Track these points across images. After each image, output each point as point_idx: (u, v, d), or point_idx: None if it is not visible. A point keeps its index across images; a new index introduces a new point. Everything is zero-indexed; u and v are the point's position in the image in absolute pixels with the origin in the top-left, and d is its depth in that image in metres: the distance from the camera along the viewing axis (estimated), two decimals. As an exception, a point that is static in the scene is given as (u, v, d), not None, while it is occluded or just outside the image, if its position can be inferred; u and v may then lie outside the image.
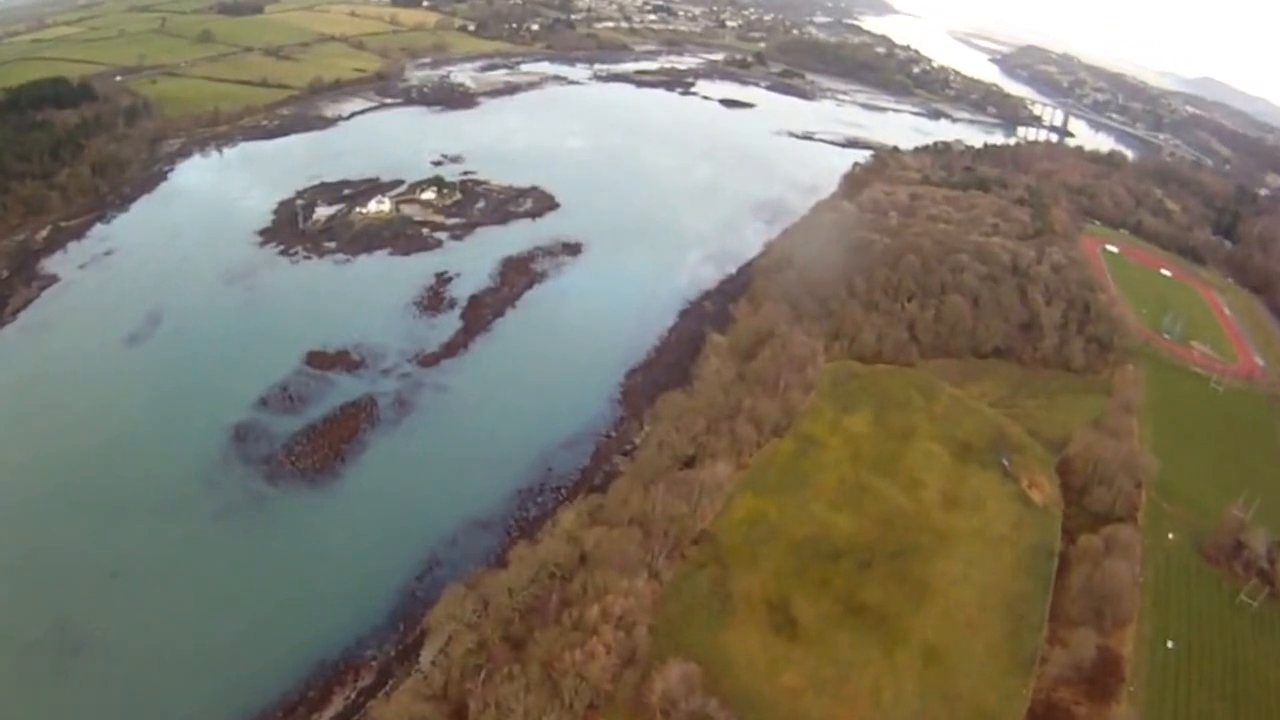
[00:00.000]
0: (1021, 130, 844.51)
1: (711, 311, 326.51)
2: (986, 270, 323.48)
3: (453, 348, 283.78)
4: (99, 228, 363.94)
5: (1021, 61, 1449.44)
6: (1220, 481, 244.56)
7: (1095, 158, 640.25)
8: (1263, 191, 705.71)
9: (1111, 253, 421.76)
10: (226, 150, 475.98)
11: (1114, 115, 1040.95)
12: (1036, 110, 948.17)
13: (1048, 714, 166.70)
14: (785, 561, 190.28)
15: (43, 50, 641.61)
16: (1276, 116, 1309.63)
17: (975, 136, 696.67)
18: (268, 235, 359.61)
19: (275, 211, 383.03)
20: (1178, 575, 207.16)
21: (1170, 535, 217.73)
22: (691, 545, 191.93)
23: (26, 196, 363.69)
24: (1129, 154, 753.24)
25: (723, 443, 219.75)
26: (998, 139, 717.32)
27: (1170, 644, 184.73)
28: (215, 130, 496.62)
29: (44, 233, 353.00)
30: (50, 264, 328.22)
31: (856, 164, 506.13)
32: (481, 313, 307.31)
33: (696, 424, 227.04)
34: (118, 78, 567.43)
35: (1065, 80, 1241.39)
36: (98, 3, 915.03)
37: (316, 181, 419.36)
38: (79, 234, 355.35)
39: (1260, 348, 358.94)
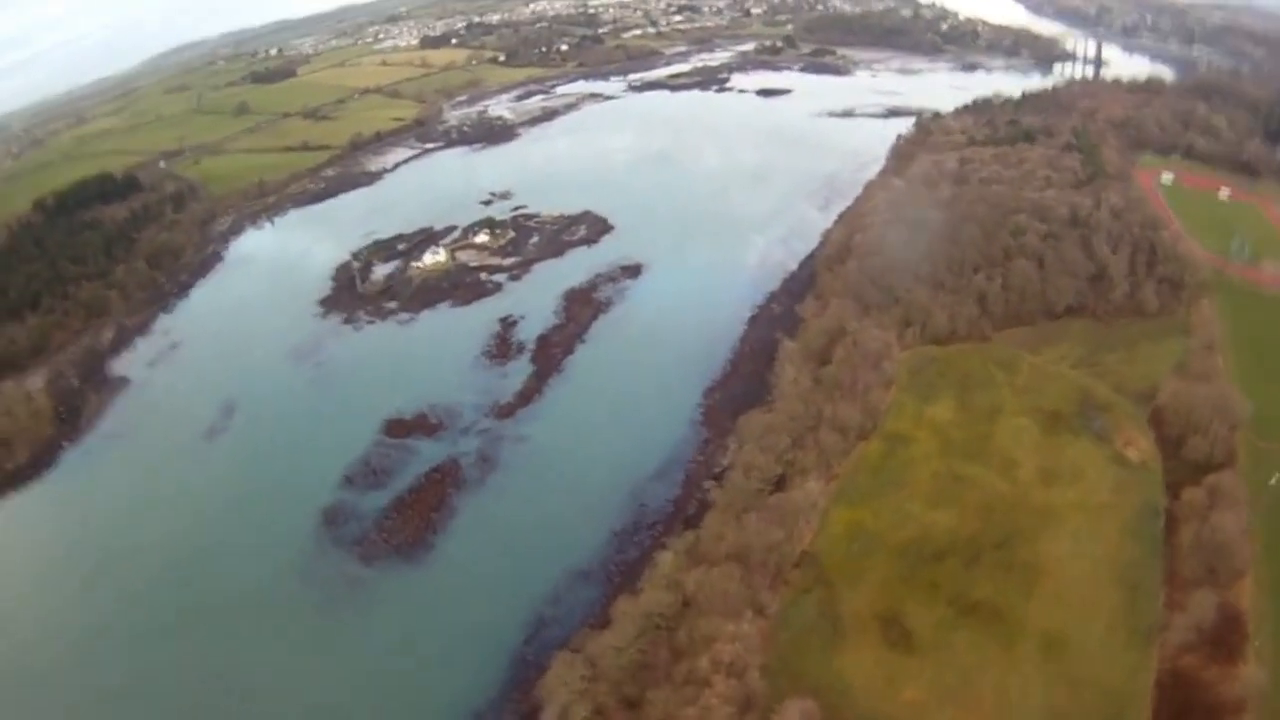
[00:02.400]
0: (1057, 68, 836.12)
1: (780, 314, 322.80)
2: (1047, 228, 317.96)
3: (527, 395, 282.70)
4: (162, 320, 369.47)
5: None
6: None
7: (1134, 86, 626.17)
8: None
9: (1167, 183, 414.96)
10: (277, 220, 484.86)
11: (1145, 36, 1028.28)
12: (1069, 45, 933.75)
13: (1175, 684, 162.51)
14: (890, 570, 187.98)
15: (84, 146, 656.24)
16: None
17: (1013, 84, 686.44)
18: (329, 303, 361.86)
19: (333, 277, 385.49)
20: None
21: (1274, 480, 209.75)
22: (793, 570, 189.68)
23: (86, 299, 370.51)
24: (1167, 75, 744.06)
25: (809, 457, 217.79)
26: (1035, 82, 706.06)
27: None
28: (264, 202, 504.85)
29: (109, 333, 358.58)
30: (119, 365, 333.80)
31: (900, 135, 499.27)
32: (551, 353, 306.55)
33: (780, 441, 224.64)
34: (161, 164, 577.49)
35: (1092, 8, 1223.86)
36: (134, 88, 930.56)
37: (370, 239, 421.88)
38: (143, 330, 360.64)
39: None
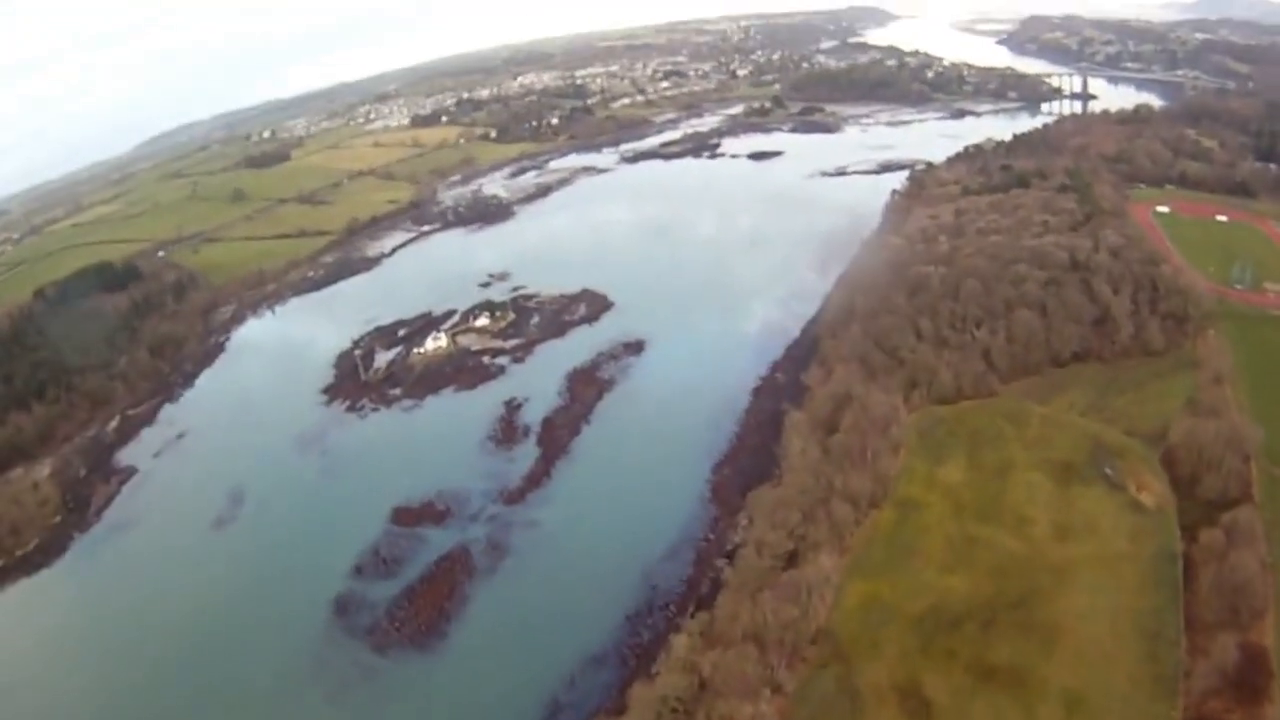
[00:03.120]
0: (1045, 106, 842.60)
1: (784, 383, 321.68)
2: (1047, 274, 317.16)
3: (535, 479, 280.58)
4: (167, 410, 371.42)
5: (1027, 35, 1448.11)
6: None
7: (1123, 118, 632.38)
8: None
9: (1163, 213, 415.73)
10: (278, 309, 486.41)
11: (1129, 65, 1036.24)
12: (1055, 82, 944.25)
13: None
14: (907, 641, 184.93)
15: (83, 235, 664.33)
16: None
17: (1002, 127, 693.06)
18: (332, 392, 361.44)
19: (336, 365, 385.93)
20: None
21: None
22: (810, 646, 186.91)
23: (90, 390, 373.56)
24: (1155, 102, 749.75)
25: (821, 530, 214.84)
26: (1024, 123, 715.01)
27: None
28: (263, 291, 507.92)
29: (114, 424, 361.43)
30: (125, 456, 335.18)
31: (894, 191, 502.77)
32: (557, 435, 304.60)
33: (791, 516, 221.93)
34: (160, 253, 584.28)
35: (1073, 42, 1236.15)
36: (130, 173, 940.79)
37: (371, 326, 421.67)
38: (149, 420, 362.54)
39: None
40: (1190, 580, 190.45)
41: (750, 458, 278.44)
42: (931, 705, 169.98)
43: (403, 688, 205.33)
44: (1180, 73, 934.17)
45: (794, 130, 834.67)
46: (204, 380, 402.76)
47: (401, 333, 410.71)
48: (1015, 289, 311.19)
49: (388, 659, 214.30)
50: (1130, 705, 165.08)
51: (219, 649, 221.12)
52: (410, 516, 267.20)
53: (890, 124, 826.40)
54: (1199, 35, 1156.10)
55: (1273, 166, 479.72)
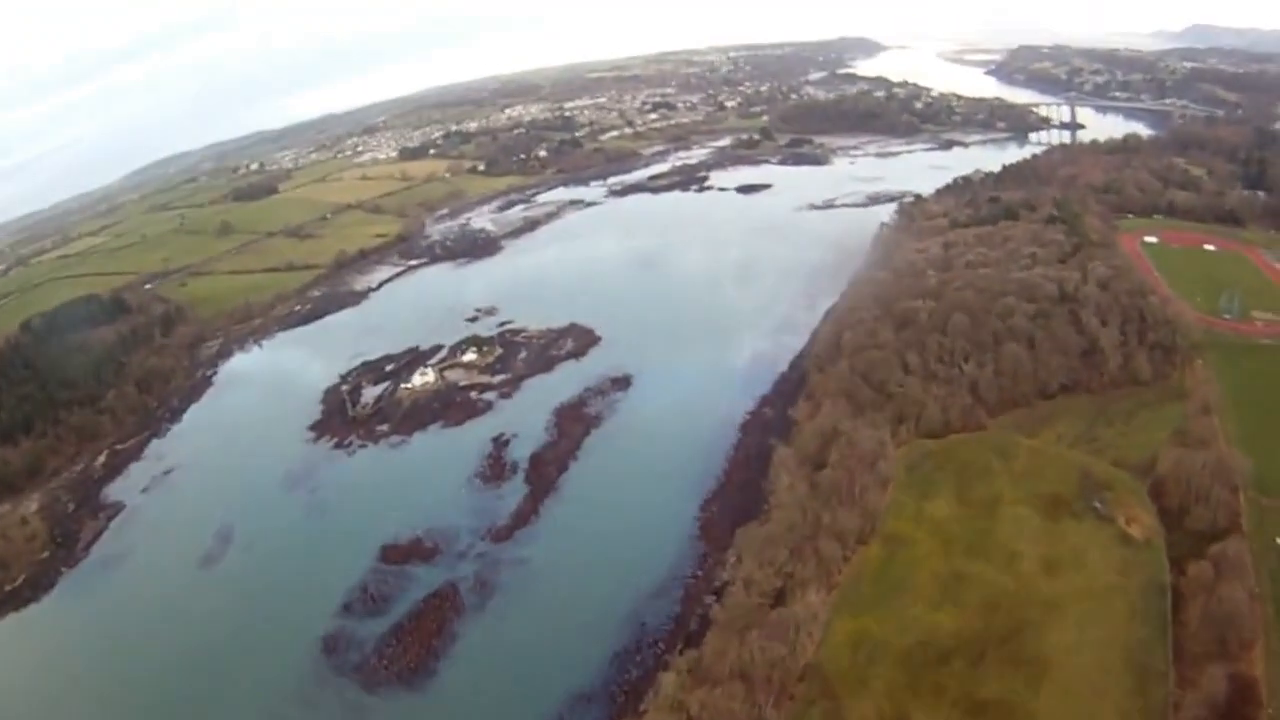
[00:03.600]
0: (1034, 136, 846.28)
1: (772, 418, 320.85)
2: (1035, 307, 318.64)
3: (523, 516, 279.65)
4: (155, 445, 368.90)
5: (1016, 65, 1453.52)
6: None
7: (1112, 147, 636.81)
8: (1278, 125, 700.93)
9: (1151, 243, 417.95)
10: (265, 343, 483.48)
11: (1118, 94, 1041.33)
12: (1043, 112, 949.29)
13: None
14: (895, 677, 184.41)
15: (71, 267, 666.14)
16: (1271, 39, 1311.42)
17: (991, 158, 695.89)
18: (319, 428, 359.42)
19: (323, 401, 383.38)
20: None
21: (1279, 539, 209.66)
22: (798, 684, 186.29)
23: (77, 425, 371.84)
24: (1143, 131, 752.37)
25: (809, 567, 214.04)
26: (1013, 153, 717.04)
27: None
28: (250, 325, 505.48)
29: (101, 459, 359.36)
30: (113, 491, 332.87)
31: (883, 224, 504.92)
32: (545, 472, 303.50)
33: (779, 554, 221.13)
34: (147, 286, 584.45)
35: (1062, 72, 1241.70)
36: (117, 205, 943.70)
37: (358, 361, 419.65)
38: (136, 455, 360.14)
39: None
40: (1179, 612, 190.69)
41: (738, 494, 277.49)
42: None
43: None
44: (1169, 101, 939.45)
45: (782, 162, 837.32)
46: (191, 415, 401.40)
47: (389, 368, 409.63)
48: (1003, 322, 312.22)
49: (377, 696, 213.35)
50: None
51: (207, 688, 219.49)
52: (398, 554, 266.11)
53: (879, 155, 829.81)
54: (1187, 64, 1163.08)
55: (1261, 195, 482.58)
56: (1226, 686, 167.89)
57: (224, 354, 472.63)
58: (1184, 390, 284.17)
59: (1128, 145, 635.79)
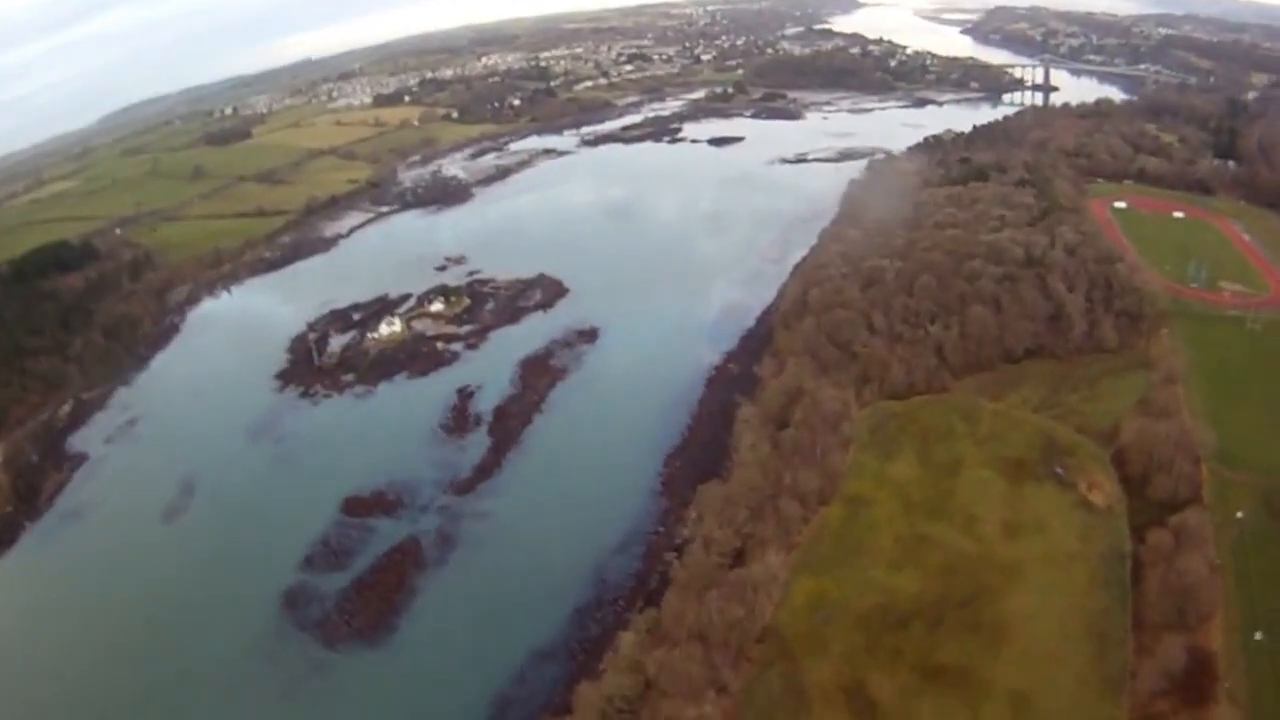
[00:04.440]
0: (1007, 97, 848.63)
1: (737, 374, 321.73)
2: (1002, 270, 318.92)
3: (486, 469, 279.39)
4: (120, 394, 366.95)
5: (992, 26, 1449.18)
6: (1278, 430, 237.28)
7: (1084, 111, 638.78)
8: (1251, 95, 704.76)
9: (1121, 209, 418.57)
10: (235, 289, 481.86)
11: (1092, 57, 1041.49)
12: (1017, 73, 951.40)
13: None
14: (854, 640, 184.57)
15: (41, 212, 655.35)
16: (1246, 9, 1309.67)
17: (963, 117, 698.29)
18: (286, 377, 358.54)
19: (290, 349, 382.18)
20: (1256, 546, 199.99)
21: (1239, 514, 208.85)
22: (756, 645, 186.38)
23: (44, 373, 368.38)
24: (1116, 95, 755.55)
25: (769, 528, 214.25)
26: (985, 113, 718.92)
27: (1258, 635, 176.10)
28: (220, 271, 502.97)
29: (66, 408, 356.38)
30: (77, 441, 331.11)
31: (853, 180, 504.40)
32: (509, 425, 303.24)
33: (739, 514, 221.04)
34: (117, 230, 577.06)
35: (1038, 34, 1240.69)
36: (91, 147, 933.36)
37: (326, 309, 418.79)
38: (101, 404, 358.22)
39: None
40: (1138, 581, 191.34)
41: (701, 450, 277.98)
42: (877, 705, 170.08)
43: (353, 683, 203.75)
44: (1143, 67, 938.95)
45: (755, 116, 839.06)
46: (158, 363, 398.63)
47: (357, 316, 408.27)
48: (970, 284, 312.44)
49: (338, 653, 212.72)
50: (1077, 705, 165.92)
51: (171, 643, 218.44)
52: (361, 507, 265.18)
53: (852, 111, 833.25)
54: (1162, 30, 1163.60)
55: (1231, 164, 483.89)
56: (1184, 657, 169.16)
57: (193, 300, 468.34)
58: (1149, 359, 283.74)
59: (1100, 110, 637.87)
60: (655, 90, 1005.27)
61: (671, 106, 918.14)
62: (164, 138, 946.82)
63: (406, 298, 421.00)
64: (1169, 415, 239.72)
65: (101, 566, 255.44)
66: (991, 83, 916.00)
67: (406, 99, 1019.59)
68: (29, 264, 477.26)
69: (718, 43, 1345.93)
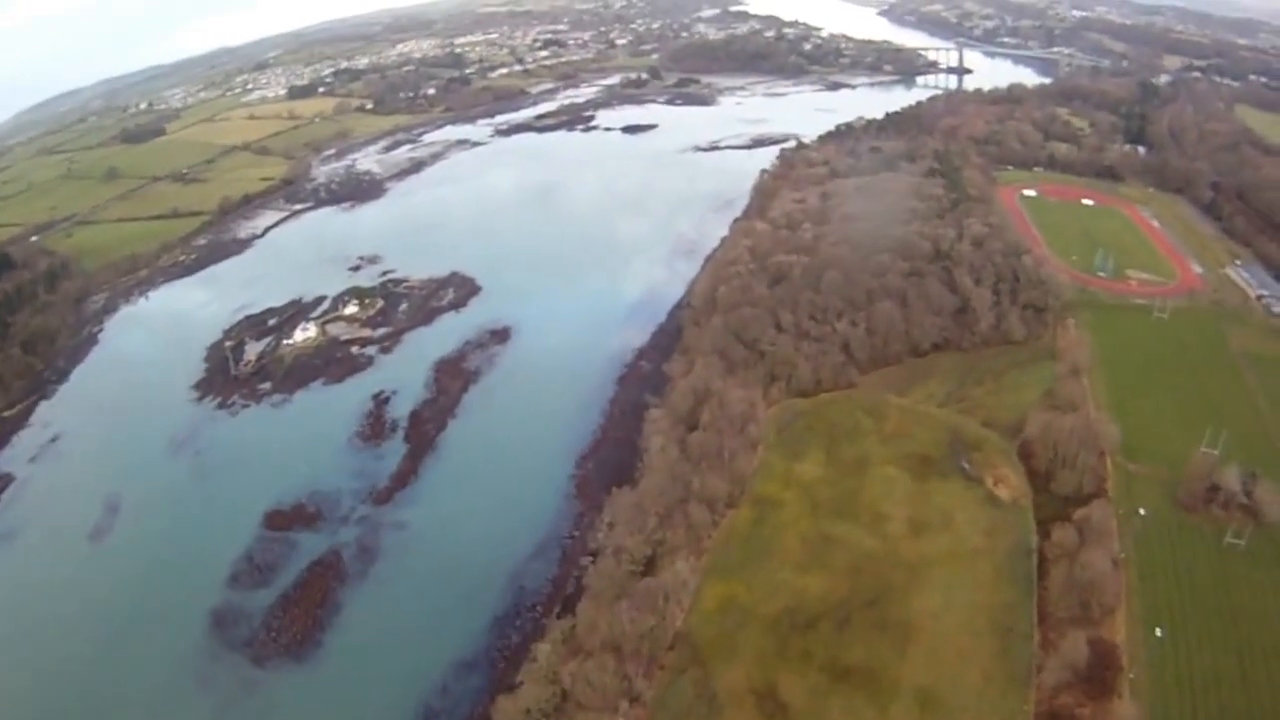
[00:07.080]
0: (921, 80, 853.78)
1: (649, 372, 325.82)
2: (909, 265, 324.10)
3: (403, 477, 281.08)
4: (42, 409, 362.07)
5: (908, 7, 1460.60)
6: (1183, 421, 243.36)
7: (996, 97, 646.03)
8: (1163, 79, 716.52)
9: (1030, 197, 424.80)
10: (152, 295, 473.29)
11: (1006, 40, 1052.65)
12: (931, 56, 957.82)
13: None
14: (764, 643, 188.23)
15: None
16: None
17: (876, 100, 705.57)
18: (204, 388, 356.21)
19: (206, 359, 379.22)
20: (1159, 539, 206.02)
21: (1141, 510, 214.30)
22: (668, 652, 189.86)
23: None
24: (1031, 78, 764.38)
25: (679, 534, 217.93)
26: (899, 97, 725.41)
27: (1159, 631, 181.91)
28: (136, 277, 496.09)
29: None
30: (2, 461, 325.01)
31: (764, 170, 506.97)
32: (424, 430, 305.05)
33: (649, 521, 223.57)
34: (33, 238, 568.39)
35: (953, 16, 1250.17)
36: (6, 150, 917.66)
37: (242, 315, 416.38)
38: (23, 422, 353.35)
39: (1195, 253, 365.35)
40: (1043, 576, 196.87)
41: (613, 450, 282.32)
42: (788, 707, 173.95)
43: (282, 700, 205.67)
44: (1056, 50, 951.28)
45: (669, 102, 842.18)
46: (78, 376, 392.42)
47: (271, 322, 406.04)
48: (877, 280, 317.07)
49: (266, 670, 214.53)
50: (983, 701, 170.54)
51: (100, 668, 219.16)
52: (282, 520, 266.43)
53: (766, 96, 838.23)
54: (1076, 12, 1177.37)
55: (1141, 150, 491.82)
56: (1088, 651, 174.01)
57: (110, 309, 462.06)
58: (1055, 350, 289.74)
59: (1012, 95, 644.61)
60: (570, 77, 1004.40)
61: (586, 93, 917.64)
62: (79, 135, 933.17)
63: (321, 300, 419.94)
64: (1074, 408, 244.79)
65: (29, 590, 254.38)
66: (906, 66, 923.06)
67: (321, 90, 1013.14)
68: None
69: (633, 26, 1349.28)
